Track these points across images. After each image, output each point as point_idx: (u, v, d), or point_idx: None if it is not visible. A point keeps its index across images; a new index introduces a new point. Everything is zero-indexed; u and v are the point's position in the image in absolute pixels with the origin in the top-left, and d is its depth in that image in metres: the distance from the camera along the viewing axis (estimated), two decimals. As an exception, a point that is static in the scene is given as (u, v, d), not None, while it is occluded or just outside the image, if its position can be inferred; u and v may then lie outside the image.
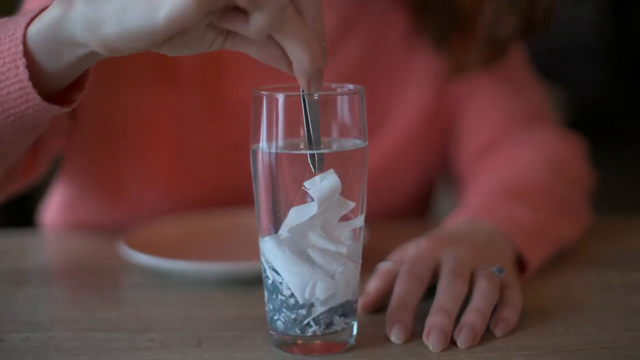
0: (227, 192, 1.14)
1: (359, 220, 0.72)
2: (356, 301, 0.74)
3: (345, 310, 0.72)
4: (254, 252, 0.76)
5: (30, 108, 0.74)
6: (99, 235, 1.13)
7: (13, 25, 0.72)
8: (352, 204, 0.70)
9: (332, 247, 0.70)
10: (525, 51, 1.21)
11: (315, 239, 0.69)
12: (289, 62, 0.67)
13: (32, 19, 0.72)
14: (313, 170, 0.69)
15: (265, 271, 0.73)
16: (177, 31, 0.63)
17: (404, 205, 1.21)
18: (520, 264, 0.91)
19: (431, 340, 0.73)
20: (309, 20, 0.65)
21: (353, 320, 0.74)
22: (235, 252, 0.98)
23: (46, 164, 1.00)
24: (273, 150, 0.70)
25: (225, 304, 0.86)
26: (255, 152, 0.71)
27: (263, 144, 0.71)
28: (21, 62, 0.71)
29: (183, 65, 1.09)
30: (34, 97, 0.73)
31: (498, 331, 0.76)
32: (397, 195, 1.19)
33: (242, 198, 1.09)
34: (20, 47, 0.71)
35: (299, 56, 0.65)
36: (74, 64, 0.72)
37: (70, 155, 1.15)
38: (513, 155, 1.11)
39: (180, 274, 0.93)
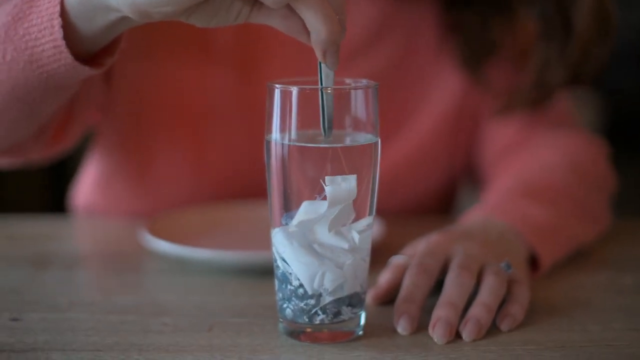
0: (250, 182, 1.15)
1: (368, 220, 0.73)
2: (364, 293, 0.75)
3: (353, 301, 0.74)
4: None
5: (62, 67, 0.77)
6: (123, 222, 1.15)
7: None
8: (365, 221, 0.73)
9: (338, 244, 0.71)
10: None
11: (322, 235, 0.71)
12: (308, 33, 0.70)
13: None
14: (322, 134, 0.71)
15: (275, 261, 0.74)
16: None
17: (425, 204, 1.22)
18: (533, 262, 0.92)
19: (436, 332, 0.74)
20: None
21: (361, 310, 0.75)
22: (253, 242, 1.00)
23: (78, 134, 1.04)
24: (286, 141, 0.72)
25: (239, 292, 0.88)
26: (268, 143, 0.73)
27: (276, 135, 0.72)
28: (57, 22, 0.75)
29: (218, 42, 1.11)
30: (67, 56, 0.76)
31: (504, 326, 0.77)
32: (417, 194, 1.20)
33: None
34: (58, 8, 0.75)
35: (316, 26, 0.67)
36: (106, 28, 0.76)
37: (102, 133, 1.18)
38: (534, 155, 1.12)
39: (197, 262, 0.95)
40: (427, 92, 1.17)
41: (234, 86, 1.12)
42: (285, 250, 0.72)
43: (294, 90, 0.71)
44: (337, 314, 0.73)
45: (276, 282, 0.75)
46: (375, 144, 0.73)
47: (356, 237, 0.72)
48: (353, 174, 0.70)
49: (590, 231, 1.02)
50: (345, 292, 0.73)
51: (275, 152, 0.72)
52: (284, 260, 0.73)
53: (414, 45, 1.17)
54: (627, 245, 1.07)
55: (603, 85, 5.75)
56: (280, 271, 0.74)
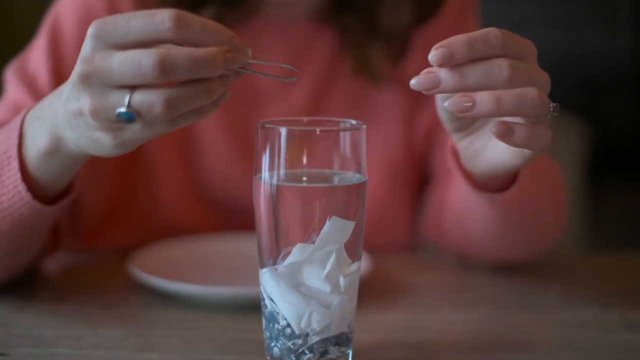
0: (239, 215, 1.16)
1: (355, 265, 0.74)
2: (352, 332, 0.76)
3: (341, 340, 0.74)
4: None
5: (47, 215, 0.86)
6: (110, 254, 1.15)
7: (5, 156, 0.81)
8: (353, 266, 0.73)
9: (324, 288, 0.72)
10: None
11: (309, 277, 0.71)
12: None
13: (19, 142, 0.80)
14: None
15: (263, 300, 0.74)
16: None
17: (403, 236, 1.22)
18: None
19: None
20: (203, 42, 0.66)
21: (348, 349, 0.76)
22: (242, 276, 1.00)
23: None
24: (274, 181, 0.72)
25: (226, 327, 0.88)
26: (256, 183, 0.73)
27: (265, 175, 0.73)
28: (22, 187, 0.81)
29: None
30: (46, 208, 0.83)
31: (496, 129, 0.69)
32: (394, 229, 1.21)
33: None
34: (18, 174, 0.80)
35: (204, 74, 0.66)
36: (71, 168, 0.82)
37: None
38: None
39: (185, 297, 0.95)
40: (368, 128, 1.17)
41: (217, 128, 1.14)
42: (272, 290, 0.73)
43: (283, 131, 0.72)
44: (325, 353, 0.74)
45: (264, 321, 0.75)
46: (364, 183, 0.74)
47: (342, 282, 0.72)
48: (341, 214, 0.71)
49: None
50: (333, 331, 0.73)
51: (264, 191, 0.73)
52: (271, 299, 0.73)
53: (334, 81, 1.17)
54: (613, 280, 1.07)
55: (588, 114, 5.80)
56: (268, 310, 0.74)
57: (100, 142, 0.70)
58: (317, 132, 0.72)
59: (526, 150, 0.74)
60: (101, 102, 0.67)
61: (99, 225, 1.17)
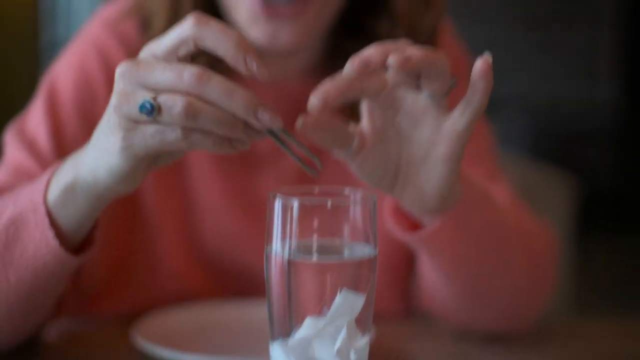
0: (241, 280, 1.15)
1: (366, 339, 0.73)
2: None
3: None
4: (267, 346, 0.77)
5: (67, 266, 0.86)
6: (112, 321, 1.14)
7: (31, 203, 0.84)
8: (364, 339, 0.72)
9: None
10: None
11: (320, 352, 0.71)
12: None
13: (45, 189, 0.83)
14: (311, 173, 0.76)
15: (273, 372, 0.74)
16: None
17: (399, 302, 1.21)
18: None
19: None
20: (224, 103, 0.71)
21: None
22: (248, 345, 0.99)
23: None
24: (286, 255, 0.72)
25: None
26: (268, 256, 0.73)
27: (276, 247, 0.72)
28: (50, 234, 0.83)
29: (195, 158, 1.13)
30: (69, 258, 0.85)
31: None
32: (390, 296, 1.19)
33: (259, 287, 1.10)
34: (46, 219, 0.82)
35: (240, 114, 0.71)
36: (93, 211, 0.84)
37: None
38: None
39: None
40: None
41: (165, 205, 1.14)
42: (283, 364, 0.72)
43: (295, 203, 0.72)
44: None
45: (273, 394, 0.75)
46: (375, 257, 0.74)
47: (353, 356, 0.72)
48: (352, 287, 0.71)
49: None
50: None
51: (275, 264, 0.72)
52: (282, 372, 0.72)
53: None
54: (606, 347, 1.07)
55: (572, 166, 5.82)
56: (278, 383, 0.73)
57: (109, 148, 0.74)
58: (329, 205, 0.72)
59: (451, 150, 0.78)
60: (128, 94, 0.72)
61: (99, 290, 1.17)
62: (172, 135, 0.72)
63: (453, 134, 0.79)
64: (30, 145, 1.06)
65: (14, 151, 1.06)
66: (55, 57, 1.16)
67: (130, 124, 0.73)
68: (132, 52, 1.08)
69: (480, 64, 0.76)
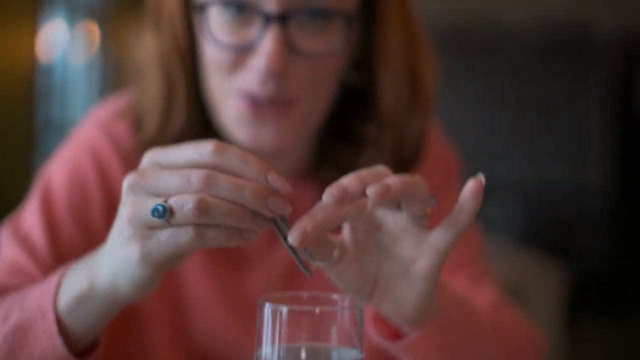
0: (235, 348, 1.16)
1: None
2: None
3: None
4: None
5: None
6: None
7: (39, 308, 0.85)
8: None
9: None
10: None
11: None
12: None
13: (55, 295, 0.84)
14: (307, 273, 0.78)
15: None
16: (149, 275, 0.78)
17: None
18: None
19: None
20: (240, 172, 0.75)
21: None
22: None
23: None
24: (275, 358, 0.74)
25: None
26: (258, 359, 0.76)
27: (266, 352, 0.75)
28: (58, 341, 0.83)
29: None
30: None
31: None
32: None
33: None
34: (55, 327, 0.83)
35: (250, 205, 0.74)
36: (105, 317, 0.85)
37: None
38: None
39: None
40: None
41: (156, 298, 1.14)
42: None
43: (284, 310, 0.75)
44: None
45: None
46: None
47: None
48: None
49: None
50: None
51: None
52: None
53: None
54: None
55: (564, 252, 5.84)
56: None
57: (128, 259, 0.76)
58: (317, 312, 0.75)
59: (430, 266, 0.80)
60: (140, 205, 0.75)
61: None
62: (187, 236, 0.74)
63: (434, 252, 0.80)
64: (25, 243, 1.07)
65: (10, 249, 1.07)
66: (50, 139, 1.18)
67: (145, 232, 0.75)
68: (124, 154, 1.13)
69: (472, 185, 0.77)
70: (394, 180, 0.77)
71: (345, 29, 1.03)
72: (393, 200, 0.79)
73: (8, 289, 0.97)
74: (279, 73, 1.00)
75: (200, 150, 0.75)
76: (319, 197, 1.16)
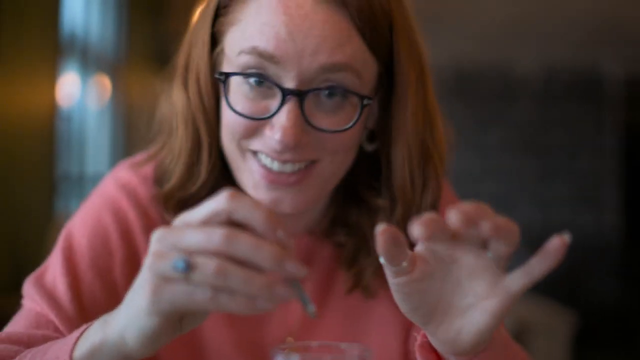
0: None
1: None
2: None
3: None
4: None
5: None
6: None
7: (56, 358, 0.86)
8: None
9: None
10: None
11: None
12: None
13: (73, 346, 0.86)
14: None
15: None
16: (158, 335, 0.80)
17: None
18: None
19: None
20: (252, 256, 0.77)
21: None
22: None
23: None
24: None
25: None
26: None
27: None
28: None
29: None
30: None
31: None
32: None
33: None
34: None
35: (265, 265, 0.77)
36: None
37: None
38: None
39: None
40: (362, 342, 1.19)
41: (177, 347, 1.16)
42: None
43: (295, 359, 0.78)
44: None
45: None
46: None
47: None
48: None
49: None
50: None
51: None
52: None
53: (330, 297, 1.20)
54: None
55: (575, 296, 5.83)
56: None
57: (139, 305, 0.79)
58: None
59: (500, 306, 0.82)
60: (163, 254, 0.77)
61: None
62: (202, 295, 0.76)
63: (507, 294, 0.82)
64: (50, 298, 1.09)
65: (34, 303, 1.10)
66: (69, 191, 1.20)
67: (161, 282, 0.77)
68: (142, 209, 1.16)
69: (556, 242, 0.79)
70: (500, 220, 0.79)
71: (361, 108, 1.06)
72: (491, 238, 0.82)
73: (33, 341, 1.00)
74: (293, 147, 1.03)
75: (218, 200, 0.78)
76: (333, 255, 1.21)
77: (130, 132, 5.78)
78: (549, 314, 4.08)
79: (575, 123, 7.24)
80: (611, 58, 7.03)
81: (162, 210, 1.16)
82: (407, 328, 1.20)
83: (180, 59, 1.15)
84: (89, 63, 5.01)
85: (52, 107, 3.98)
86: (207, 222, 0.78)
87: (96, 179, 5.14)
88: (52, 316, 1.06)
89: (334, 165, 1.09)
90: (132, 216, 1.16)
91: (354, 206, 1.18)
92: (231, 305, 0.77)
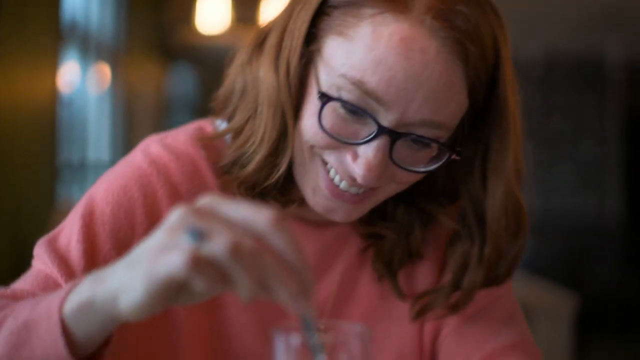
0: None
1: None
2: None
3: None
4: None
5: None
6: None
7: (47, 309, 0.84)
8: None
9: None
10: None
11: None
12: None
13: (63, 299, 0.84)
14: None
15: None
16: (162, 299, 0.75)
17: None
18: None
19: None
20: (284, 255, 0.75)
21: None
22: None
23: None
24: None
25: None
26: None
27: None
28: (61, 342, 0.83)
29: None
30: None
31: None
32: None
33: None
34: (59, 328, 0.83)
35: (280, 296, 0.74)
36: (105, 329, 0.83)
37: None
38: None
39: None
40: (379, 330, 1.17)
41: (199, 329, 1.14)
42: None
43: (296, 338, 0.78)
44: None
45: None
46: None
47: None
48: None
49: None
50: None
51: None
52: None
53: (357, 282, 1.18)
54: None
55: (578, 279, 5.83)
56: None
57: (135, 269, 0.75)
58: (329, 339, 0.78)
59: None
60: (183, 217, 0.74)
61: None
62: (202, 272, 0.73)
63: None
64: (62, 261, 1.06)
65: (44, 264, 1.07)
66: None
67: (169, 244, 0.74)
68: (172, 189, 1.12)
69: None
70: None
71: (446, 159, 1.03)
72: None
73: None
74: (372, 184, 1.02)
75: (257, 215, 0.75)
76: (361, 247, 1.18)
77: (131, 120, 5.78)
78: (552, 296, 4.10)
79: (577, 109, 7.24)
80: (613, 43, 7.02)
81: (199, 191, 1.12)
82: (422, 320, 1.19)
83: (272, 38, 1.08)
84: (90, 51, 5.01)
85: (54, 95, 3.98)
86: (238, 224, 0.75)
87: (97, 166, 5.17)
88: (61, 280, 1.04)
89: (398, 189, 1.08)
90: (161, 194, 1.12)
91: (400, 203, 1.16)
92: (243, 291, 0.74)
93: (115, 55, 5.53)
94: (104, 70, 5.41)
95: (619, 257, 6.94)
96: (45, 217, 3.52)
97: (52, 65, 3.98)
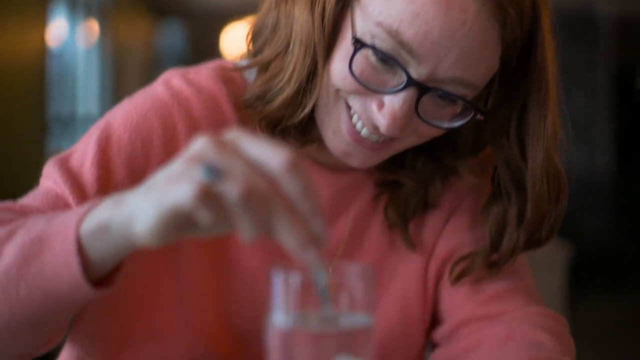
0: (239, 352, 1.14)
1: None
2: None
3: None
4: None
5: (81, 296, 0.83)
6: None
7: (63, 226, 0.82)
8: None
9: None
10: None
11: None
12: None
13: (81, 218, 0.82)
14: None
15: None
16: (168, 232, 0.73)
17: None
18: None
19: None
20: (296, 201, 0.73)
21: None
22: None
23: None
24: (289, 325, 0.76)
25: None
26: (268, 327, 0.77)
27: (278, 318, 0.76)
28: (74, 261, 0.81)
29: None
30: (86, 288, 0.82)
31: None
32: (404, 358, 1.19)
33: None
34: (74, 246, 0.81)
35: (288, 244, 0.73)
36: (119, 254, 0.82)
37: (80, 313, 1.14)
38: (525, 335, 1.09)
39: None
40: (385, 279, 1.17)
41: (205, 271, 1.12)
42: None
43: (296, 276, 0.76)
44: None
45: None
46: (371, 326, 0.78)
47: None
48: (350, 357, 0.75)
49: None
50: None
51: (274, 334, 0.76)
52: None
53: (367, 231, 1.18)
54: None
55: (570, 231, 5.83)
56: None
57: (150, 196, 0.74)
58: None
59: None
60: (205, 150, 0.72)
61: (124, 340, 1.12)
62: (213, 209, 0.71)
63: None
64: (74, 182, 1.04)
65: (54, 181, 1.05)
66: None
67: (183, 173, 0.73)
68: (192, 123, 1.10)
69: None
70: None
71: (471, 116, 1.03)
72: None
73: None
74: (392, 134, 1.01)
75: (275, 156, 0.73)
76: (375, 193, 1.17)
77: (120, 75, 5.74)
78: (546, 246, 4.09)
79: (568, 62, 7.22)
80: (604, -4, 6.99)
81: (219, 127, 1.10)
82: (426, 267, 1.19)
83: None
84: (78, 6, 4.96)
85: (42, 49, 3.95)
86: (254, 164, 0.73)
87: (87, 119, 5.13)
88: (72, 202, 1.02)
89: (417, 142, 1.08)
90: (180, 127, 1.10)
91: (421, 154, 1.16)
92: (244, 234, 0.73)
93: (104, 10, 5.48)
94: (93, 26, 5.37)
95: (609, 209, 6.96)
96: (35, 171, 3.49)
97: (41, 20, 3.95)
